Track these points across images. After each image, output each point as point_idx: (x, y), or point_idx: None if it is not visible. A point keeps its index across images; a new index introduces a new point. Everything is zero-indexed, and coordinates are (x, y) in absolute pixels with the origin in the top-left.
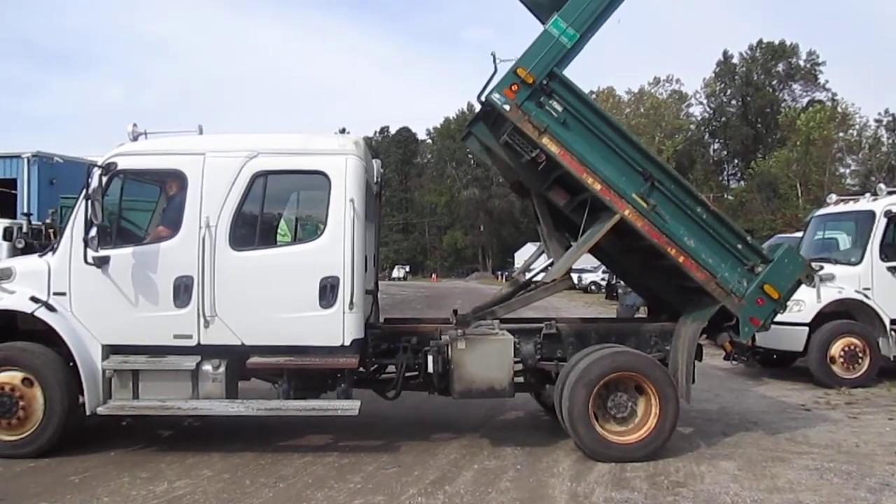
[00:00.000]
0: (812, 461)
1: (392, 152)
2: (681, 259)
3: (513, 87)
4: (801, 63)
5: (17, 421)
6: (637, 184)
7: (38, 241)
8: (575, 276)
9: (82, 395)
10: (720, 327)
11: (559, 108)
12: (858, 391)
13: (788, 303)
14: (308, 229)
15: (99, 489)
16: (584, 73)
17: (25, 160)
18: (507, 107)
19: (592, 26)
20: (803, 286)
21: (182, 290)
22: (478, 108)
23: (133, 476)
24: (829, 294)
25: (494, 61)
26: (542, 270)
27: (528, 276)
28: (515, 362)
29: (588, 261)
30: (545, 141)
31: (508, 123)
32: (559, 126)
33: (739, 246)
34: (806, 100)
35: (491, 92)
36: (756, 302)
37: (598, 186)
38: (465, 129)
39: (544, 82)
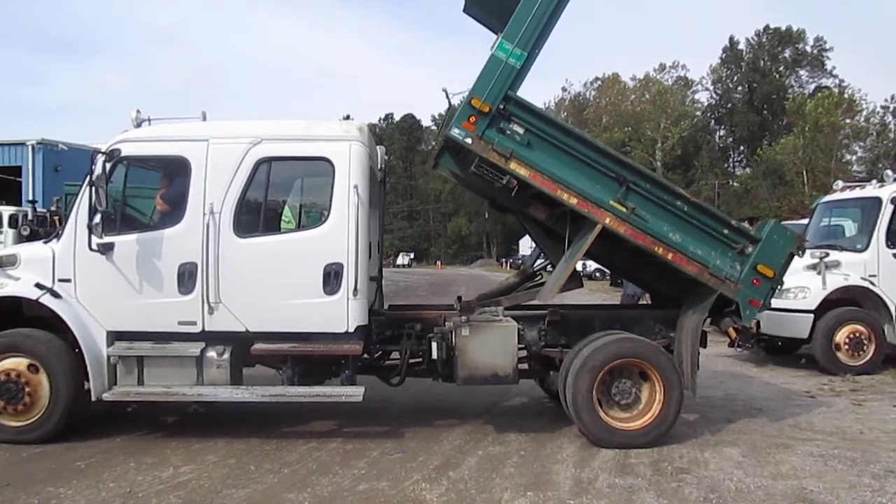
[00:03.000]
0: (816, 448)
1: (396, 139)
2: (669, 256)
3: (471, 119)
4: (808, 49)
5: (22, 407)
6: (612, 189)
7: (43, 229)
8: (579, 264)
9: (87, 381)
10: (722, 313)
11: (521, 131)
12: (863, 378)
13: (794, 289)
14: (312, 216)
15: (105, 474)
16: (589, 59)
17: (30, 147)
18: (468, 140)
19: (538, 42)
20: (811, 273)
21: (186, 277)
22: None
23: (139, 461)
24: (835, 281)
25: (447, 97)
26: (548, 262)
27: (535, 266)
28: (519, 349)
29: None
30: (513, 166)
31: (474, 154)
32: (524, 148)
33: (725, 231)
34: (813, 86)
35: (450, 128)
36: (752, 283)
37: (574, 201)
38: (432, 161)
39: (501, 107)
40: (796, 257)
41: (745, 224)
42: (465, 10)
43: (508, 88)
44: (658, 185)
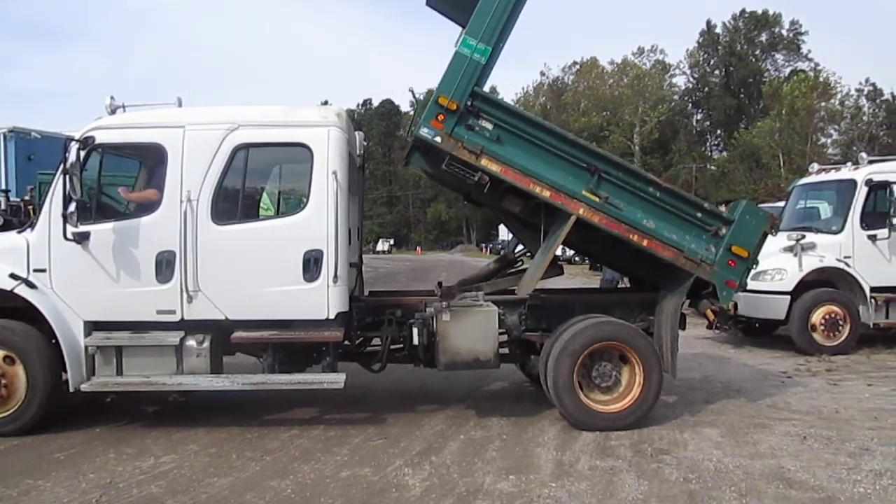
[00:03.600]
0: (793, 427)
1: (375, 125)
2: (645, 243)
3: (439, 118)
4: (784, 33)
5: None
6: (584, 180)
7: (17, 218)
8: (559, 249)
9: (65, 371)
10: (700, 295)
11: (490, 126)
12: (838, 358)
13: (770, 271)
14: (291, 202)
15: (84, 466)
16: (567, 43)
17: (2, 136)
18: (438, 139)
19: (502, 36)
20: (787, 255)
21: (164, 266)
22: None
23: (119, 452)
24: (811, 263)
25: (413, 96)
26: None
27: (516, 252)
28: (500, 333)
29: None
30: (484, 162)
31: (444, 152)
32: (494, 144)
33: (699, 214)
34: (788, 70)
35: (419, 127)
36: (728, 265)
37: (547, 193)
38: (404, 159)
39: (468, 104)
40: (774, 240)
41: (722, 207)
42: (428, 4)
43: (475, 84)
44: (630, 173)
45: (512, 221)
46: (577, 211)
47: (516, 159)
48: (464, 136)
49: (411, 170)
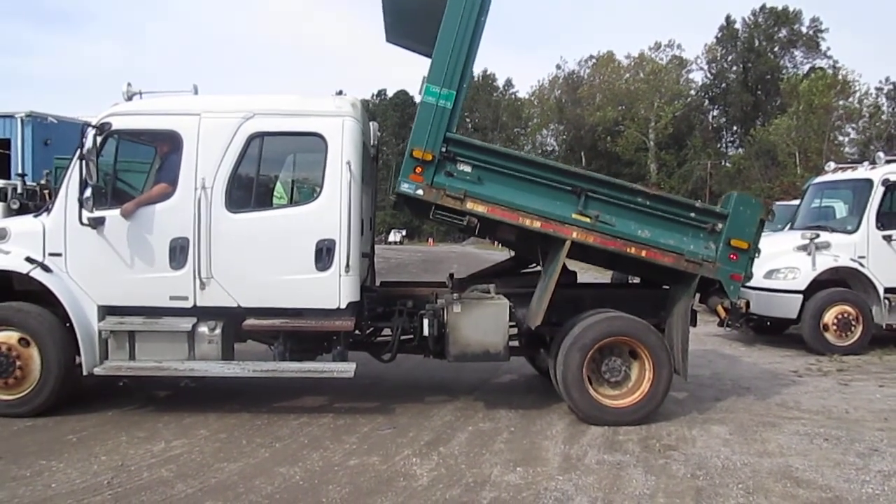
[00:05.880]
0: (802, 426)
1: (389, 115)
2: (643, 253)
3: (417, 170)
4: (804, 29)
5: (14, 380)
6: (572, 203)
7: (33, 203)
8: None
9: (79, 355)
10: (708, 291)
11: (468, 169)
12: (850, 358)
13: (783, 269)
14: (304, 192)
15: (96, 448)
16: (584, 37)
17: (19, 120)
18: (420, 191)
19: (463, 76)
20: (801, 254)
21: (178, 252)
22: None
23: (130, 435)
24: (824, 262)
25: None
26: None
27: None
28: (510, 326)
29: None
30: (469, 206)
31: (429, 202)
32: (476, 185)
33: (692, 214)
34: (807, 67)
35: (399, 184)
36: (730, 259)
37: (537, 224)
38: (392, 208)
39: (443, 150)
40: (788, 238)
41: None
42: (388, 41)
43: (446, 130)
44: (615, 187)
45: (511, 244)
46: (571, 235)
47: (500, 196)
48: (445, 184)
49: None
